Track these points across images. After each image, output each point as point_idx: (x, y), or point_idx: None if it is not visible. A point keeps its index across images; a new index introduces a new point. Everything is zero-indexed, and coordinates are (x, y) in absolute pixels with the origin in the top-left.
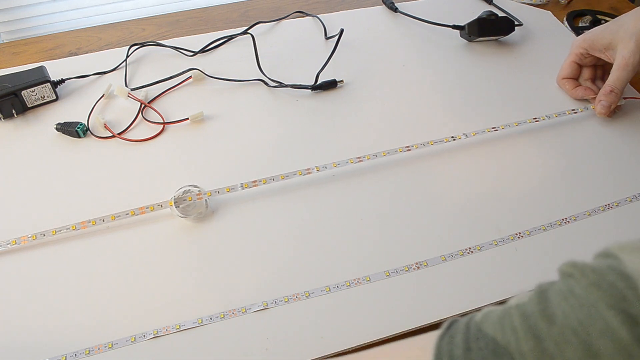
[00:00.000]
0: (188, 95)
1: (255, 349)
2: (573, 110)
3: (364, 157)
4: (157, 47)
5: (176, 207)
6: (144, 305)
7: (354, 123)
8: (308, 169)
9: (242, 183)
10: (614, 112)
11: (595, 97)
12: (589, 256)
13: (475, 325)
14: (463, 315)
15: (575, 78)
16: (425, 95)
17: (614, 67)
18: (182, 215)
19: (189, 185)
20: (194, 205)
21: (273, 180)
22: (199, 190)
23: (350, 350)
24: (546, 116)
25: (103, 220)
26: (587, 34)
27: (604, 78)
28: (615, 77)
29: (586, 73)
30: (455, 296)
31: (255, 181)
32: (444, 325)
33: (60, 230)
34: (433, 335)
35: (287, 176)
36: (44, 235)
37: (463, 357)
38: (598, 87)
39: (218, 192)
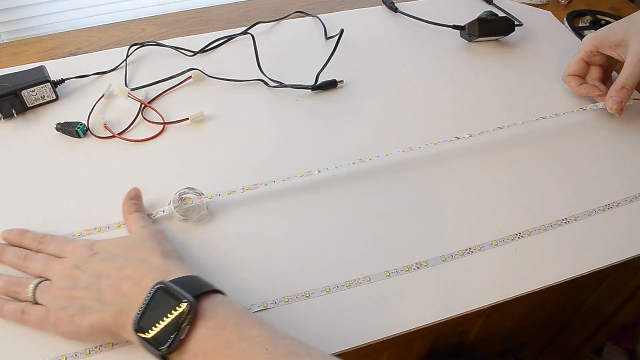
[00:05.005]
0: (188, 95)
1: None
2: (582, 108)
3: (366, 158)
4: (157, 47)
5: (176, 211)
6: None
7: (355, 123)
8: (309, 171)
9: (243, 186)
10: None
11: (600, 95)
12: (588, 255)
13: None
14: (464, 315)
15: (581, 76)
16: (426, 96)
17: (626, 63)
18: (182, 218)
19: (189, 188)
20: (194, 209)
21: (274, 182)
22: (199, 193)
23: (350, 350)
24: (553, 114)
25: (108, 227)
26: (598, 31)
27: (610, 81)
28: (627, 73)
29: (594, 73)
30: (455, 297)
31: (256, 184)
32: None
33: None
34: None
35: (288, 178)
36: None
37: None
38: (606, 87)
39: (219, 195)
